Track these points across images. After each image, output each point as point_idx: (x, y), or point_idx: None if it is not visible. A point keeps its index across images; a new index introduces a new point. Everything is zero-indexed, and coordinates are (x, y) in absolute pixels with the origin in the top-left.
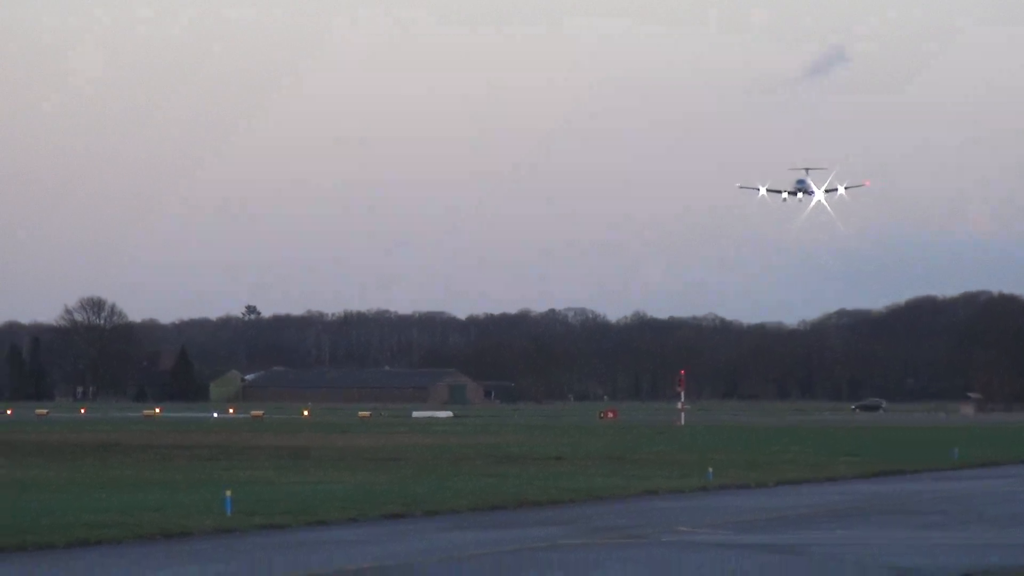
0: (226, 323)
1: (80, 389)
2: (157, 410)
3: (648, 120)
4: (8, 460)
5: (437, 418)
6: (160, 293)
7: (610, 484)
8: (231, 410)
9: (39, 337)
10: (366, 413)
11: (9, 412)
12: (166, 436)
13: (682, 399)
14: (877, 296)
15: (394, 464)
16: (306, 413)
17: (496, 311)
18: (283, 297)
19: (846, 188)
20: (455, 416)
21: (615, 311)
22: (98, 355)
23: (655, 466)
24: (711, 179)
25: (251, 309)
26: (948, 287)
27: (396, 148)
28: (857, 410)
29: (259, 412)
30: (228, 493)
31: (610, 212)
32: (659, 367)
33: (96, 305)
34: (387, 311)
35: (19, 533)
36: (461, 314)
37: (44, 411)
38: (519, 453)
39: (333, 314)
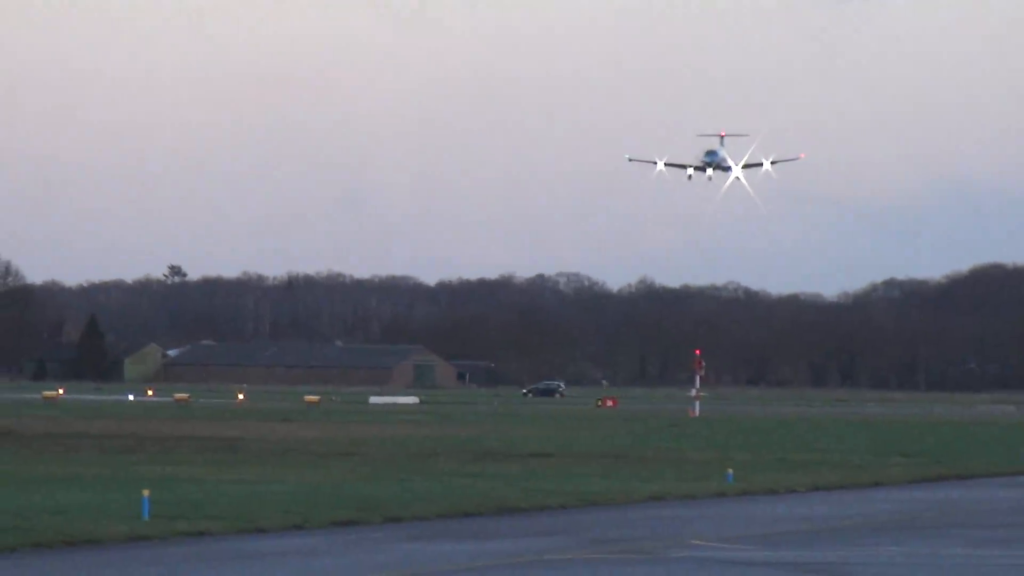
0: (144, 287)
1: None
2: (60, 391)
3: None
4: None
5: (400, 404)
6: (65, 250)
7: (608, 487)
8: (150, 392)
9: None
10: (314, 398)
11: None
12: (71, 423)
13: (697, 385)
14: (934, 263)
15: (347, 460)
16: (241, 397)
17: (472, 276)
18: (214, 256)
19: (773, 163)
20: (422, 402)
21: (616, 278)
22: None
23: (663, 466)
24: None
25: (175, 270)
26: (1021, 252)
27: (352, 82)
28: (530, 395)
29: (184, 395)
30: (145, 493)
31: (607, 157)
32: (669, 346)
33: None
34: (340, 275)
35: None
36: (430, 279)
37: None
38: (499, 448)
39: (275, 278)
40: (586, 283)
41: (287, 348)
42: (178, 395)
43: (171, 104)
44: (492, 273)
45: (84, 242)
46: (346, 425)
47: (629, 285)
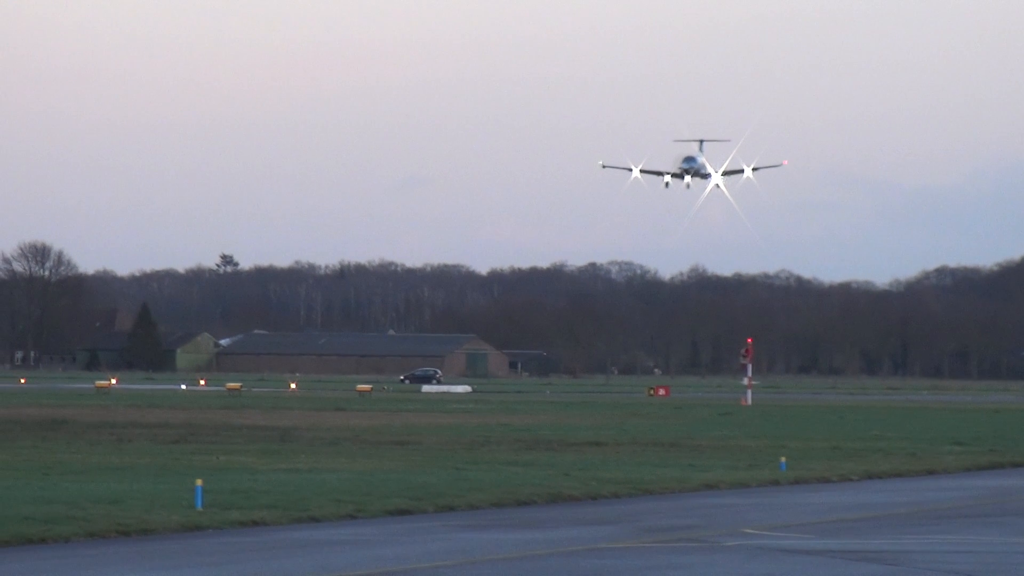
0: (197, 276)
1: (19, 354)
2: (112, 380)
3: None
4: None
5: (452, 393)
6: (117, 239)
7: (661, 476)
8: (202, 381)
9: None
10: (366, 387)
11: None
12: (123, 412)
13: (749, 373)
14: (986, 251)
15: (400, 449)
16: (293, 386)
17: (524, 264)
18: (266, 245)
19: (755, 170)
20: (474, 391)
21: (668, 266)
22: (41, 313)
23: (716, 454)
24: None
25: (227, 259)
26: None
27: (402, 71)
28: (407, 381)
29: (236, 384)
30: (198, 483)
31: (660, 145)
32: (721, 334)
33: (39, 252)
34: (392, 263)
35: None
36: (482, 268)
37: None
38: (551, 437)
39: (327, 266)
40: (638, 271)
41: (339, 337)
42: (230, 384)
43: (222, 93)
44: (544, 261)
45: (136, 231)
46: (398, 414)
47: (681, 273)
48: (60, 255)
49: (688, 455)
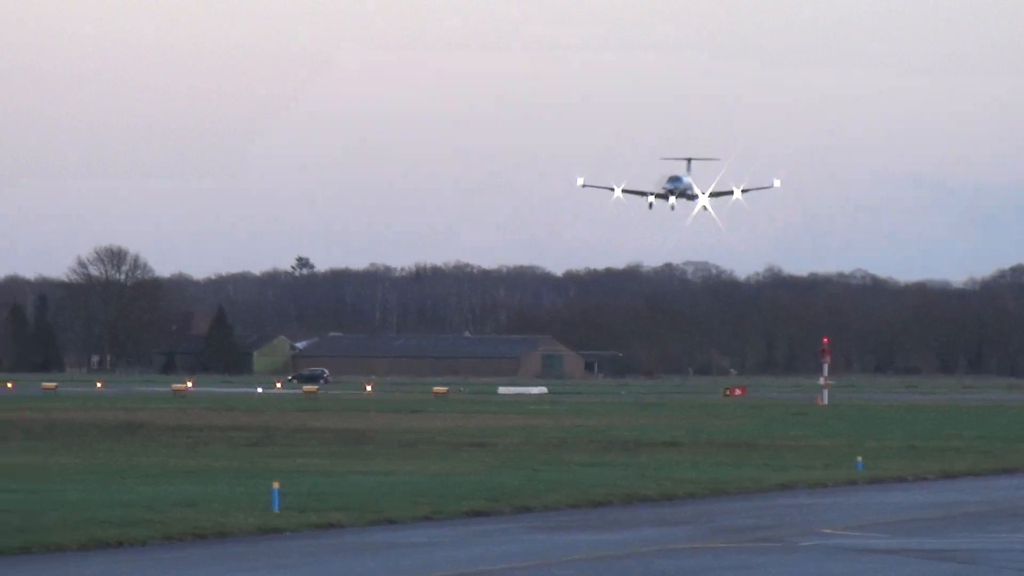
0: (272, 278)
1: (96, 358)
2: (189, 384)
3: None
4: (9, 444)
5: (528, 395)
6: (192, 242)
7: (737, 476)
8: (278, 384)
9: (46, 294)
10: (442, 389)
11: (10, 385)
12: (200, 415)
13: (825, 373)
14: None
15: (476, 451)
16: (369, 388)
17: (600, 265)
18: (342, 247)
19: (744, 191)
20: (550, 392)
21: (744, 266)
22: (118, 316)
23: (792, 454)
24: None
25: (303, 262)
26: None
27: (482, 70)
28: (295, 380)
29: (313, 387)
30: (275, 485)
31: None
32: (797, 334)
33: (115, 256)
34: (468, 265)
35: (23, 532)
36: (557, 269)
37: (52, 384)
38: (627, 438)
39: (402, 268)
40: (713, 271)
41: (415, 339)
42: (307, 387)
43: (299, 96)
44: (620, 262)
45: (212, 234)
46: (475, 416)
47: (757, 273)
48: (136, 259)
49: (764, 455)
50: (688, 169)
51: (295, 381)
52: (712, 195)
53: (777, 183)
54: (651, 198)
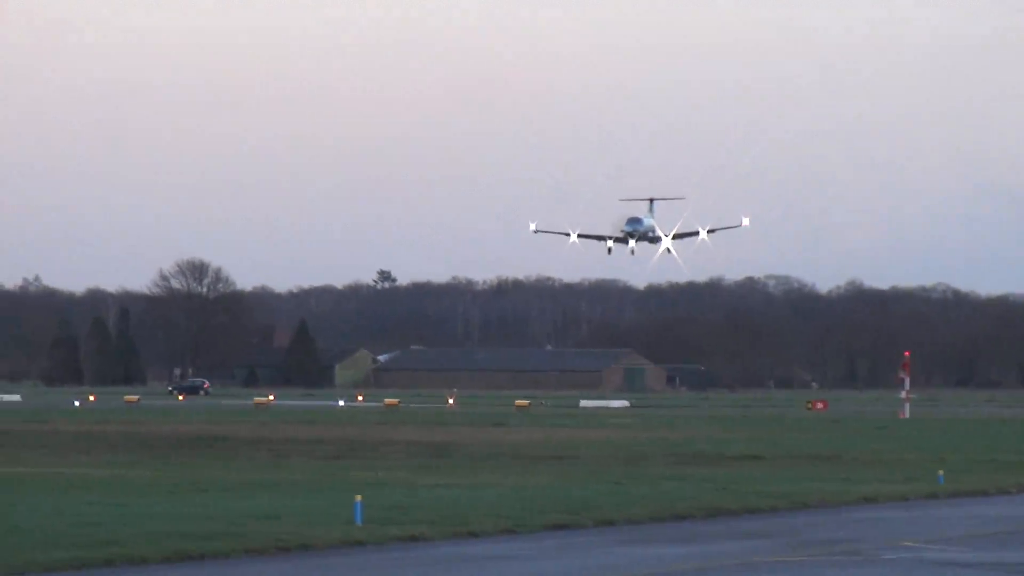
0: (354, 292)
1: (178, 371)
2: (271, 397)
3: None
4: (91, 457)
5: (610, 408)
6: (274, 255)
7: (819, 489)
8: (360, 397)
9: (128, 308)
10: (524, 402)
11: (92, 398)
12: (282, 428)
13: (907, 387)
14: None
15: (558, 464)
16: (451, 401)
17: (681, 279)
18: (423, 261)
19: (711, 232)
20: (632, 406)
21: (825, 279)
22: (199, 330)
23: (874, 468)
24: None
25: (384, 275)
26: None
27: (562, 91)
28: (175, 391)
29: (394, 400)
30: (358, 498)
31: (817, 159)
32: (878, 348)
33: (197, 269)
34: (549, 278)
35: (105, 544)
36: (639, 282)
37: (134, 397)
38: (709, 451)
39: (484, 282)
40: (795, 285)
41: (497, 352)
42: (388, 400)
43: (385, 111)
44: (701, 276)
45: (294, 248)
46: (556, 429)
47: (838, 287)
48: (218, 272)
49: (846, 469)
50: (651, 209)
51: (174, 392)
52: (676, 237)
53: (746, 222)
54: (610, 242)
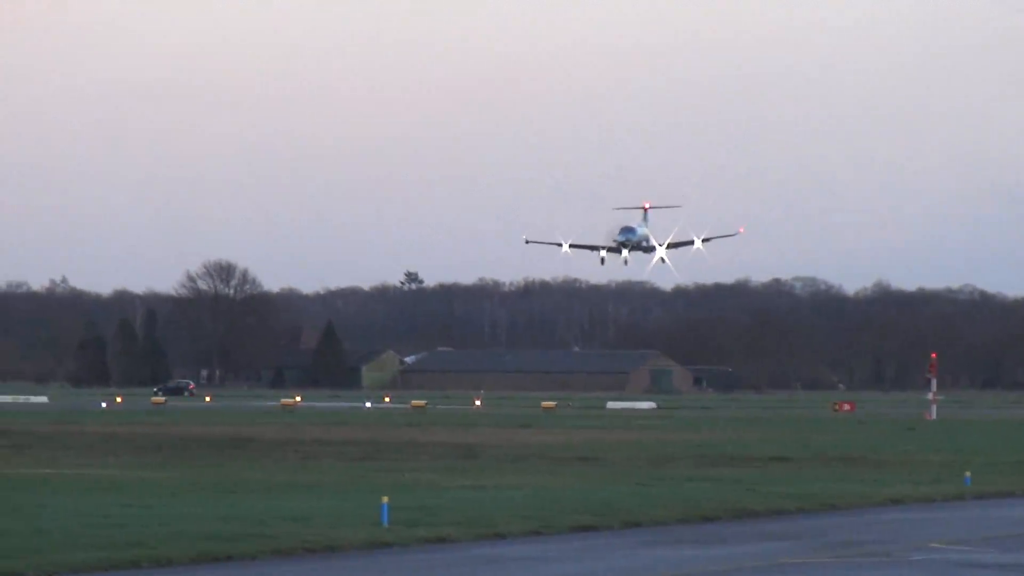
0: (381, 293)
1: (205, 372)
2: (298, 398)
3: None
4: (119, 458)
5: (637, 410)
6: (301, 257)
7: (845, 491)
8: (387, 398)
9: (155, 309)
10: (551, 403)
11: (119, 400)
12: (309, 430)
13: (933, 388)
14: None
15: (585, 466)
16: (478, 403)
17: (708, 280)
18: (450, 262)
19: (705, 241)
20: (659, 407)
21: (852, 281)
22: (226, 331)
23: (900, 469)
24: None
25: (411, 277)
26: None
27: (582, 89)
28: (160, 392)
29: (421, 401)
30: (384, 500)
31: (845, 160)
32: (905, 349)
33: (224, 271)
34: (576, 280)
35: (133, 546)
36: (666, 284)
37: (161, 399)
38: (735, 453)
39: (511, 283)
40: (822, 287)
41: (523, 354)
42: (415, 402)
43: (410, 112)
44: (728, 277)
45: (321, 249)
46: (583, 431)
47: (865, 288)
48: (245, 273)
49: (873, 470)
50: (645, 218)
51: (160, 392)
52: (671, 246)
53: (741, 230)
54: (603, 252)
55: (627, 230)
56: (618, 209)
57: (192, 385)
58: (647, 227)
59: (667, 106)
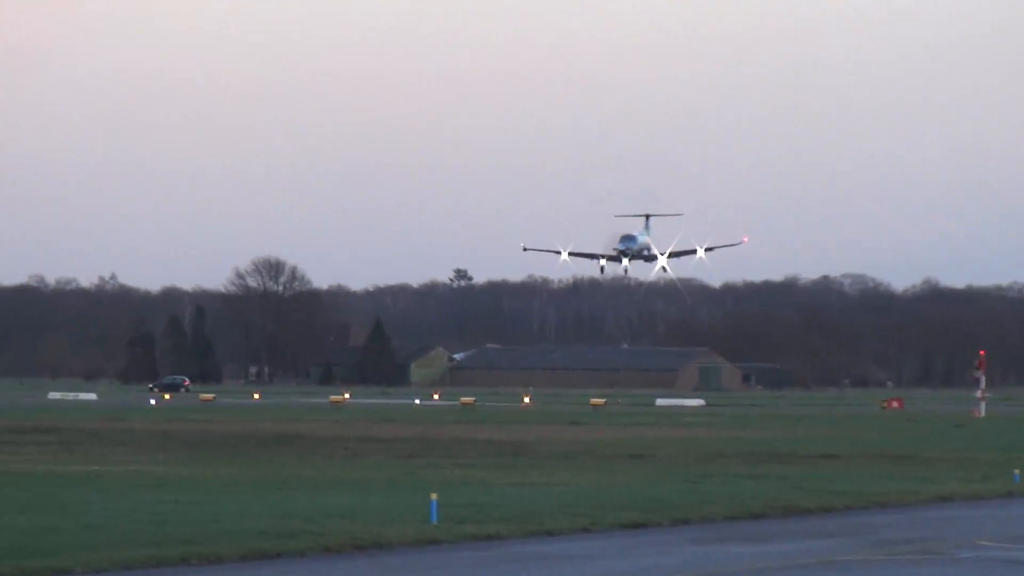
0: (430, 290)
1: (254, 369)
2: (346, 395)
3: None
4: (168, 455)
5: (686, 407)
6: (350, 253)
7: (895, 488)
8: (436, 395)
9: (204, 306)
10: (600, 400)
11: (168, 397)
12: (357, 427)
13: (982, 385)
14: None
15: (634, 463)
16: (527, 400)
17: (757, 277)
18: (499, 260)
19: (708, 250)
20: (708, 404)
21: (901, 278)
22: (275, 328)
23: (949, 467)
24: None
25: (461, 274)
26: None
27: (618, 82)
28: (155, 389)
29: (470, 398)
30: (433, 497)
31: (894, 157)
32: (954, 347)
33: (273, 268)
34: (624, 277)
35: (182, 543)
36: (715, 281)
37: (210, 396)
38: (785, 450)
39: (560, 281)
40: (871, 284)
41: (572, 351)
42: (464, 399)
43: (461, 111)
44: (777, 275)
45: (370, 246)
46: (632, 428)
47: (914, 286)
48: (294, 270)
49: (921, 467)
50: (647, 226)
51: (155, 389)
52: (672, 255)
53: (745, 239)
54: (603, 261)
55: (627, 238)
56: (619, 216)
57: (187, 381)
58: (649, 235)
59: (709, 96)
